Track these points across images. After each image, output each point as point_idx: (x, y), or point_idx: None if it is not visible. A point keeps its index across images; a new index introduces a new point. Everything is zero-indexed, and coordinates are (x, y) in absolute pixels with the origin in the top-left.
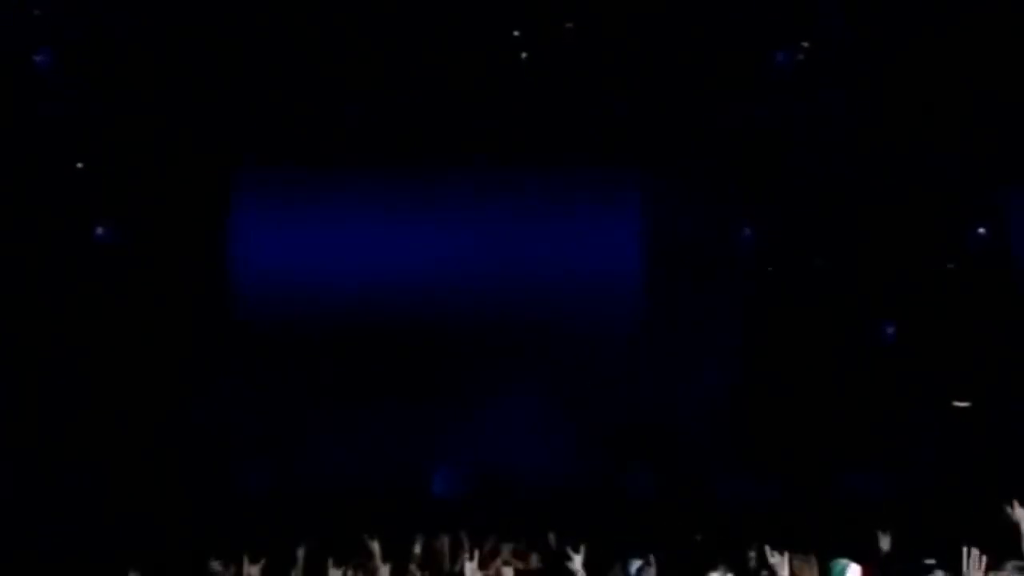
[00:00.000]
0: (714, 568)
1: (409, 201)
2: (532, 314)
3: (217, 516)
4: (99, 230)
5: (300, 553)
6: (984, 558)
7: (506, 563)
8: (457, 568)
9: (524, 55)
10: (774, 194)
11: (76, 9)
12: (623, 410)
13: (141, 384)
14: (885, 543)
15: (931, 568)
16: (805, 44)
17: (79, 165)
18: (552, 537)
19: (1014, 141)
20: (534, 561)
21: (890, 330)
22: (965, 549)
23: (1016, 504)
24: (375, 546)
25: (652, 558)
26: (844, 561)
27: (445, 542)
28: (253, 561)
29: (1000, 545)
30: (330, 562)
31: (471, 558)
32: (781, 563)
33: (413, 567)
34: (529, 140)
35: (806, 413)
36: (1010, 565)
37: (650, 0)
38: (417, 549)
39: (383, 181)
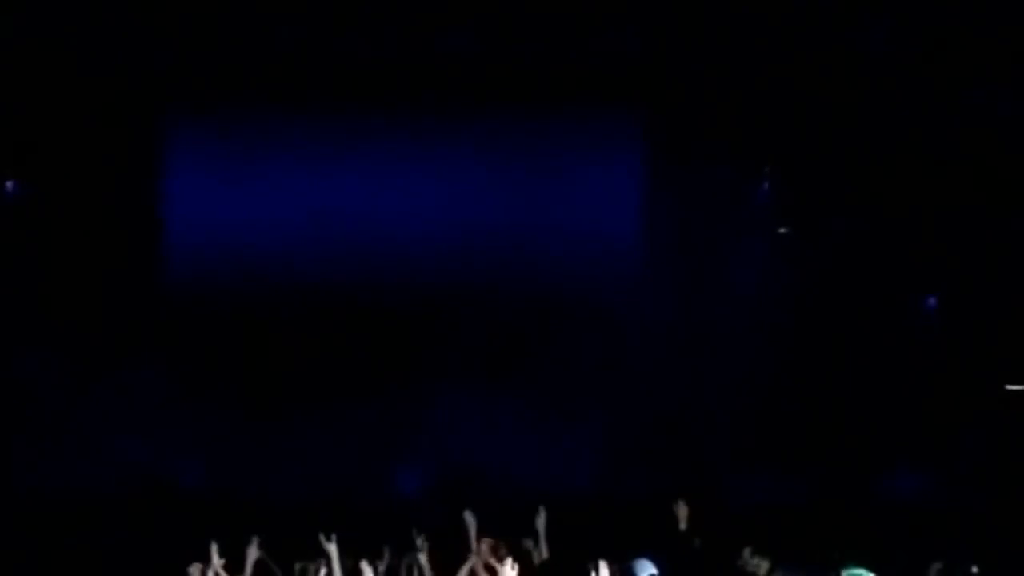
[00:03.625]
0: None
1: (372, 149)
2: (514, 285)
3: (148, 515)
4: (9, 184)
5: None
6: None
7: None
8: None
9: None
10: (797, 142)
11: None
12: (622, 401)
13: (56, 360)
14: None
15: None
16: None
17: None
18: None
19: None
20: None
21: (932, 303)
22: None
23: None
24: (332, 549)
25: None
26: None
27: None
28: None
29: None
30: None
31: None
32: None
33: None
34: (510, 78)
35: (833, 401)
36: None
37: None
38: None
39: (343, 126)
